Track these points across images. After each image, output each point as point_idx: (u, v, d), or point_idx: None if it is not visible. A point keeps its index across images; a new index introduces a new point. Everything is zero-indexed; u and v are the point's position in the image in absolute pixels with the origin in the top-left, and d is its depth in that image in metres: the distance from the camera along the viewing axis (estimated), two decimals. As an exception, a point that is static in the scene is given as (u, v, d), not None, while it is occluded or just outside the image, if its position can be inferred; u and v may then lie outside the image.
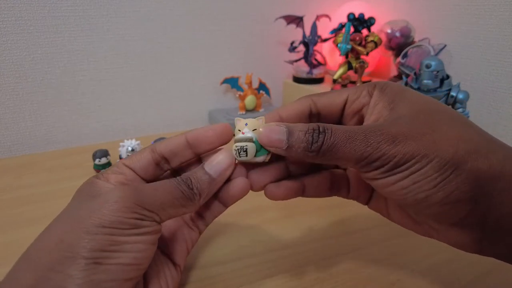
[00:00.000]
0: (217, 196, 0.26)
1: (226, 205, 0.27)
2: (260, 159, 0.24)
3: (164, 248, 0.26)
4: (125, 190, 0.21)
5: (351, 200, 0.28)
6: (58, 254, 0.18)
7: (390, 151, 0.19)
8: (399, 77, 0.66)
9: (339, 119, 0.26)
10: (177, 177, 0.23)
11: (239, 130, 0.24)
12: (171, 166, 0.26)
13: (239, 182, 0.25)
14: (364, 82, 0.66)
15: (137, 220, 0.20)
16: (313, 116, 0.26)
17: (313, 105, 0.25)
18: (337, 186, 0.27)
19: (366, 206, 0.28)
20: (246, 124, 0.24)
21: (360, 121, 0.25)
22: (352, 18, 0.65)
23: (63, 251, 0.18)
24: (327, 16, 0.71)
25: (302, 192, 0.26)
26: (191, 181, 0.23)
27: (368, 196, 0.27)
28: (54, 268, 0.18)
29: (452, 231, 0.21)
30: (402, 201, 0.21)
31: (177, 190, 0.22)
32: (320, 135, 0.20)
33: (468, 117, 0.47)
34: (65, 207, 0.22)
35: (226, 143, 0.26)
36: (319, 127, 0.21)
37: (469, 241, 0.21)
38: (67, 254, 0.18)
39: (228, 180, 0.25)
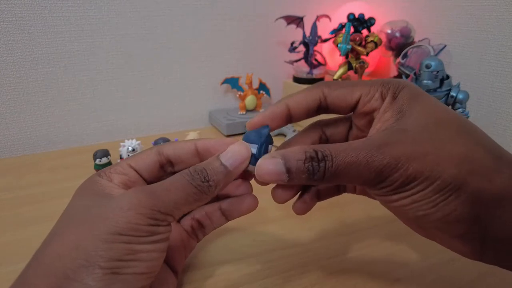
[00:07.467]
0: (222, 209, 0.27)
1: (228, 219, 0.27)
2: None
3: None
4: (138, 195, 0.20)
5: (354, 199, 0.29)
6: (73, 262, 0.18)
7: (393, 175, 0.19)
8: (399, 77, 0.66)
9: (349, 113, 0.26)
10: (188, 170, 0.22)
11: None
12: (174, 170, 0.25)
13: (249, 199, 0.26)
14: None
15: (153, 227, 0.20)
16: (322, 109, 0.25)
17: (323, 98, 0.24)
18: (344, 185, 0.28)
19: (366, 206, 0.28)
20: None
21: (371, 122, 0.24)
22: (352, 19, 0.65)
23: (79, 259, 0.18)
24: (327, 16, 0.71)
25: (318, 198, 0.27)
26: (207, 172, 0.22)
27: None
28: (69, 277, 0.18)
29: (454, 242, 0.21)
30: (403, 216, 0.21)
31: (190, 186, 0.21)
32: (321, 164, 0.20)
33: (468, 117, 0.47)
34: (69, 205, 0.22)
35: None
36: (317, 154, 0.20)
37: (470, 252, 0.21)
38: (83, 263, 0.18)
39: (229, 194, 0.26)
